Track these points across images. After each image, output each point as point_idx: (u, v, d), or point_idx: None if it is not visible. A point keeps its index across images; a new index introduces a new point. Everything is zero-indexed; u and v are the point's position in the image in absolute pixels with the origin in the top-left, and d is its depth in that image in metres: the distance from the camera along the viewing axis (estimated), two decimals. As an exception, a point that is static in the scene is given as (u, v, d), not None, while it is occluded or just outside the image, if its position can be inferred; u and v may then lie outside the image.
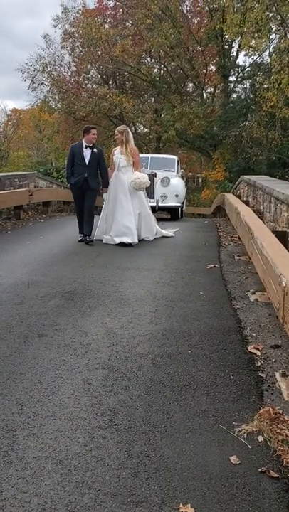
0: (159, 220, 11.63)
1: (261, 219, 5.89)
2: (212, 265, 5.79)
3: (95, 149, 7.24)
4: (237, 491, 2.00)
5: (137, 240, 7.13)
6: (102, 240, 7.31)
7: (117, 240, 7.06)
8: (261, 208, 7.15)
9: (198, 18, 26.19)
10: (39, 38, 38.49)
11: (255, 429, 2.41)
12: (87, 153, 7.19)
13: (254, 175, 13.60)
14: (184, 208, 13.37)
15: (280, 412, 2.54)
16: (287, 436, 2.35)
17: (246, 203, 8.06)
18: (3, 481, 2.05)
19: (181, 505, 1.91)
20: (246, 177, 10.20)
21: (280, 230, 5.28)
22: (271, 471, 2.11)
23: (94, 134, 7.30)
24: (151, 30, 22.89)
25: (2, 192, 10.15)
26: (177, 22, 23.67)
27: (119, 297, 4.51)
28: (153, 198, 11.26)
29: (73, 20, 26.40)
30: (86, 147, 7.20)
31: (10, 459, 2.20)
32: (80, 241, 7.30)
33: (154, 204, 11.26)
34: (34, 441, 2.32)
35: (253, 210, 6.51)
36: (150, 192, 11.20)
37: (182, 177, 13.60)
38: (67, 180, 7.77)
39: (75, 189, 7.37)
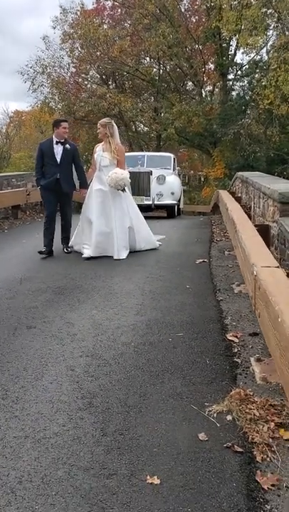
0: (155, 218, 11.81)
1: (249, 215, 6.02)
2: (201, 260, 5.92)
3: (67, 145, 6.29)
4: (202, 464, 2.14)
5: (124, 255, 6.07)
6: (80, 253, 6.26)
7: (98, 253, 6.06)
8: (252, 203, 7.28)
9: (197, 17, 26.31)
10: (38, 40, 38.80)
11: (225, 409, 2.54)
12: (58, 150, 6.24)
13: (253, 172, 13.69)
14: (181, 206, 13.49)
15: (251, 393, 2.67)
16: (255, 415, 2.48)
17: (238, 199, 8.19)
18: (-15, 458, 2.20)
19: (148, 477, 2.05)
20: (240, 173, 10.33)
21: (266, 223, 5.41)
22: (236, 446, 2.25)
23: (65, 128, 6.35)
24: (149, 29, 23.01)
25: None
26: (175, 21, 23.78)
27: (108, 291, 4.66)
28: (149, 196, 11.44)
29: (72, 21, 26.58)
30: (57, 143, 6.26)
31: (-8, 438, 2.34)
32: (41, 252, 6.21)
33: (150, 202, 11.44)
34: (15, 423, 2.46)
35: (243, 206, 6.64)
36: (146, 190, 11.40)
37: (178, 175, 13.72)
38: (36, 183, 6.73)
39: (47, 192, 6.40)
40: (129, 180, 6.33)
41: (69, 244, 6.53)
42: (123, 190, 6.18)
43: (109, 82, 28.07)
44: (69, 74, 27.91)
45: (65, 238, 6.57)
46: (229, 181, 21.19)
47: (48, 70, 26.91)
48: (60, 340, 3.47)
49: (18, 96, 58.29)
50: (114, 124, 6.49)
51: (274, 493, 1.98)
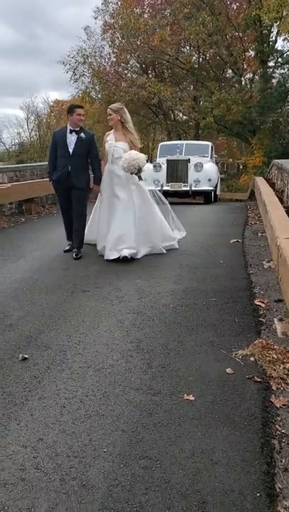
0: (193, 204, 12.32)
1: (281, 199, 6.44)
2: (235, 240, 6.42)
3: (82, 134, 5.54)
4: (228, 389, 2.70)
5: (139, 255, 5.54)
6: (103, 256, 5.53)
7: (113, 255, 5.37)
8: (286, 188, 7.65)
9: (237, 4, 26.20)
10: (80, 30, 39.59)
11: (248, 353, 3.09)
12: (71, 140, 5.53)
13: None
14: (218, 193, 13.90)
15: (272, 343, 3.20)
16: (273, 358, 3.02)
17: (273, 184, 8.57)
18: (58, 380, 2.84)
19: (185, 395, 2.64)
20: (277, 161, 10.65)
21: (296, 206, 5.85)
22: (256, 378, 2.80)
23: (80, 115, 5.55)
24: (189, 18, 23.20)
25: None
26: (215, 9, 23.82)
27: (149, 264, 5.26)
28: (187, 183, 11.95)
29: (113, 11, 27.09)
30: (71, 132, 5.55)
31: (62, 368, 2.98)
32: (67, 251, 5.82)
33: (188, 188, 11.96)
34: (79, 358, 3.10)
35: (277, 191, 7.04)
36: (184, 177, 11.91)
37: (216, 162, 14.12)
38: (48, 177, 5.93)
39: (58, 187, 5.73)
40: (145, 163, 5.47)
41: (81, 250, 5.74)
42: (138, 173, 5.42)
43: (149, 71, 28.47)
44: (109, 63, 28.52)
45: (77, 240, 5.75)
46: (267, 169, 21.32)
47: (90, 60, 27.63)
48: (110, 301, 4.10)
49: (58, 85, 59.64)
50: (126, 110, 5.70)
51: (284, 410, 2.52)
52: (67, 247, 5.92)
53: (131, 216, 5.45)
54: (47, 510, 1.86)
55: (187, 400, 2.60)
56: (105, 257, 5.41)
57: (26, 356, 3.09)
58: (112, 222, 5.48)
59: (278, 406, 2.54)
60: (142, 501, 1.90)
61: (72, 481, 2.02)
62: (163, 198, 6.27)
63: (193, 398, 2.61)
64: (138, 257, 5.48)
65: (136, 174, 5.42)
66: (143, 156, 5.38)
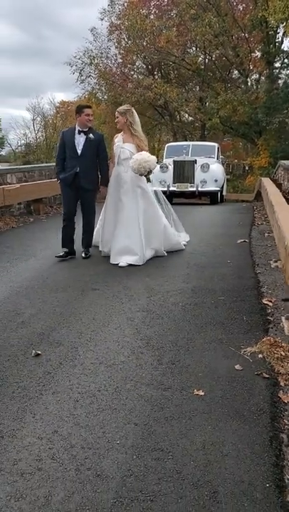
0: (199, 204, 12.38)
1: (288, 199, 6.49)
2: (242, 240, 6.48)
3: (91, 135, 5.50)
4: (237, 384, 2.77)
5: (143, 261, 5.35)
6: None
7: (117, 260, 5.34)
8: (292, 189, 7.71)
9: (244, 5, 26.24)
10: (87, 31, 39.72)
11: (257, 350, 3.14)
12: (80, 141, 5.49)
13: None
14: (224, 193, 13.97)
15: (280, 341, 3.26)
16: (281, 355, 3.08)
17: (280, 185, 8.61)
18: (71, 375, 2.91)
19: (195, 390, 2.70)
20: (283, 162, 10.69)
21: (303, 206, 5.89)
22: (264, 374, 2.86)
23: (88, 115, 5.50)
24: (196, 19, 23.26)
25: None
26: (221, 10, 23.88)
27: (158, 264, 5.32)
28: (193, 183, 12.04)
29: (119, 12, 27.20)
30: (79, 132, 5.50)
31: (74, 363, 3.05)
32: (60, 256, 5.59)
33: (194, 189, 12.04)
34: (91, 354, 3.17)
35: (284, 192, 7.09)
36: (190, 178, 11.99)
37: (222, 163, 14.18)
38: (56, 177, 5.90)
39: (66, 187, 5.62)
40: (155, 165, 5.50)
41: (90, 250, 5.81)
42: (147, 175, 5.44)
43: (155, 72, 28.56)
44: (116, 64, 28.65)
45: (85, 240, 5.78)
46: (273, 170, 21.32)
47: (96, 61, 27.76)
48: (120, 299, 4.17)
49: (65, 86, 60.00)
50: (135, 112, 5.63)
51: (292, 405, 2.58)
52: (61, 253, 5.64)
53: (136, 225, 5.39)
54: (63, 499, 1.93)
55: (197, 395, 2.66)
56: (110, 261, 5.38)
57: (39, 352, 3.17)
58: (117, 229, 5.44)
59: (286, 401, 2.60)
60: (154, 491, 1.96)
61: (87, 471, 2.08)
62: (165, 198, 6.23)
63: (203, 393, 2.67)
64: (141, 263, 5.32)
65: (145, 176, 5.41)
66: (154, 159, 5.35)
